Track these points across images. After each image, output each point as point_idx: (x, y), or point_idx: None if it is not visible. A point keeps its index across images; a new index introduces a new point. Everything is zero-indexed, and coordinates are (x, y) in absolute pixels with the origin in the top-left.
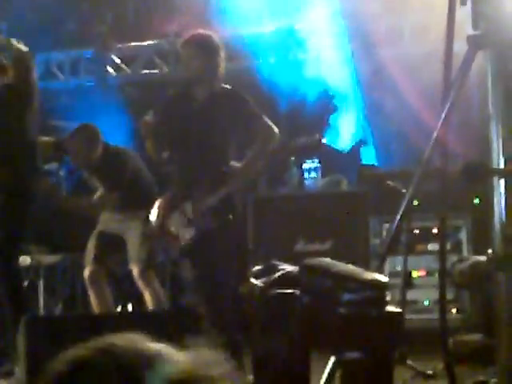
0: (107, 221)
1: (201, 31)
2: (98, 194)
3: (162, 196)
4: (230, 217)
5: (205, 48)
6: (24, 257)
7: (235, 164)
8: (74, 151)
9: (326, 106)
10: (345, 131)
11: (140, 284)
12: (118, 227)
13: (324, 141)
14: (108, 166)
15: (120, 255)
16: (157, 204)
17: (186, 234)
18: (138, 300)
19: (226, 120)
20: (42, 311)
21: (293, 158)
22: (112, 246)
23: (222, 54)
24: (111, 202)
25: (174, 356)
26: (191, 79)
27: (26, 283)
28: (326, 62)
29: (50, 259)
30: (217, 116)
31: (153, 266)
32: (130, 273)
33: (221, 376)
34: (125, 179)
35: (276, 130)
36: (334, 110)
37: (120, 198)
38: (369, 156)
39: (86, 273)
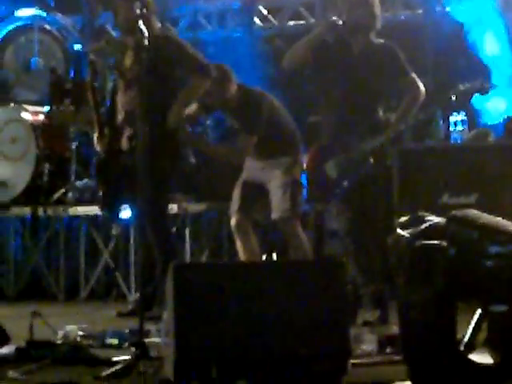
0: (250, 169)
1: None
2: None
3: (308, 146)
4: (389, 163)
5: None
6: (171, 205)
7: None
8: (207, 91)
9: None
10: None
11: (284, 233)
12: (261, 176)
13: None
14: (243, 107)
15: (264, 204)
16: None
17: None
18: (283, 249)
19: (380, 73)
20: (188, 259)
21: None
22: (256, 195)
23: (379, 9)
24: (251, 146)
25: None
26: (351, 27)
27: (173, 231)
28: None
29: (196, 208)
30: (374, 67)
31: (297, 214)
32: (274, 221)
33: None
34: (261, 121)
35: (422, 87)
36: None
37: (260, 144)
38: None
39: (233, 222)
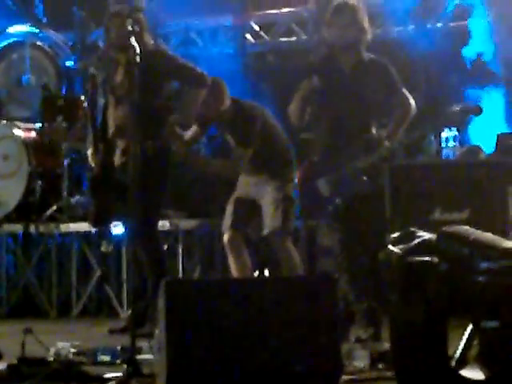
0: (243, 185)
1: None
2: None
3: (300, 162)
4: (382, 181)
5: (358, 16)
6: (163, 221)
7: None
8: (204, 102)
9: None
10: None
11: (275, 249)
12: (254, 191)
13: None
14: (237, 119)
15: (257, 221)
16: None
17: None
18: (275, 265)
19: (371, 89)
20: (180, 275)
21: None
22: (249, 211)
23: (368, 23)
24: (246, 159)
25: None
26: (342, 46)
27: (165, 247)
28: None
29: (188, 224)
30: (365, 84)
31: (289, 231)
32: (266, 237)
33: None
34: (255, 133)
35: (413, 103)
36: None
37: (253, 159)
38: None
39: (225, 238)
